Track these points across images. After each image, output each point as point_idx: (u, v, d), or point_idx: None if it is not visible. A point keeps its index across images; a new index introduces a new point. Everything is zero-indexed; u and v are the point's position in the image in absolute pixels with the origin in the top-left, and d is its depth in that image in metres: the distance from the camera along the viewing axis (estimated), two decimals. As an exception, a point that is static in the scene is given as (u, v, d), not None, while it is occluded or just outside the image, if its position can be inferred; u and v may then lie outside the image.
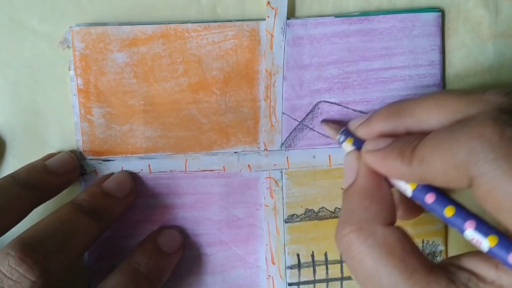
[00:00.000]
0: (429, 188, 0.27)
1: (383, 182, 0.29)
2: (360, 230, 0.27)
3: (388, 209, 0.28)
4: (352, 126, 0.32)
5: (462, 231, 0.26)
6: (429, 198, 0.27)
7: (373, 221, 0.27)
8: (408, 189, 0.28)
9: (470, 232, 0.25)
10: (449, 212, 0.26)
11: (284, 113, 0.36)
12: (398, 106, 0.29)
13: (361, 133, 0.31)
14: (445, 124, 0.26)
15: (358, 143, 0.31)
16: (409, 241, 0.27)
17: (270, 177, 0.36)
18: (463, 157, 0.23)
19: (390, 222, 0.27)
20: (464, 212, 0.26)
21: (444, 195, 0.27)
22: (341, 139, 0.32)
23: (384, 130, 0.29)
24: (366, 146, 0.29)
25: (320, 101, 0.36)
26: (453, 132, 0.24)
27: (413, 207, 0.31)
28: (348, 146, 0.32)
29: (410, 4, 0.36)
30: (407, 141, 0.27)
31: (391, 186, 0.29)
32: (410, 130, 0.28)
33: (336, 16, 0.35)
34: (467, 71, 0.36)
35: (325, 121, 0.36)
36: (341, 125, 0.34)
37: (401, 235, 0.27)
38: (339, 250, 0.28)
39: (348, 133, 0.32)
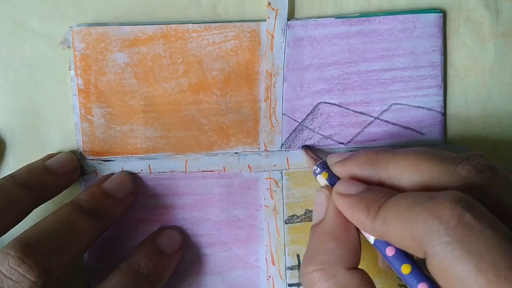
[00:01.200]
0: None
1: (350, 224, 0.29)
2: (323, 271, 0.28)
3: (353, 252, 0.29)
4: (330, 160, 0.33)
5: None
6: (389, 251, 0.27)
7: (335, 264, 0.28)
8: (371, 238, 0.28)
9: None
10: (405, 269, 0.26)
11: (284, 114, 0.36)
12: (375, 156, 0.30)
13: (336, 170, 0.32)
14: (415, 187, 0.27)
15: (333, 179, 0.32)
16: (369, 283, 0.28)
17: (270, 178, 0.36)
18: (419, 232, 0.23)
19: (353, 266, 0.28)
20: (420, 274, 0.26)
21: (403, 252, 0.27)
22: (317, 171, 0.33)
23: (358, 174, 0.30)
24: (337, 187, 0.30)
25: (320, 102, 0.36)
26: (416, 204, 0.24)
27: None
28: (322, 179, 0.32)
29: (411, 5, 0.36)
30: (375, 196, 0.27)
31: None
32: (383, 183, 0.29)
33: (337, 17, 0.35)
34: (468, 71, 0.36)
35: (306, 147, 0.36)
36: (320, 155, 0.35)
37: (362, 279, 0.28)
38: (303, 284, 0.29)
39: (324, 167, 0.33)
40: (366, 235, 0.29)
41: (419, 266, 0.26)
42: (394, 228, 0.25)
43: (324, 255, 0.28)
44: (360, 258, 0.29)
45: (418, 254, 0.24)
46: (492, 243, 0.22)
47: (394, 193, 0.27)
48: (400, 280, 0.35)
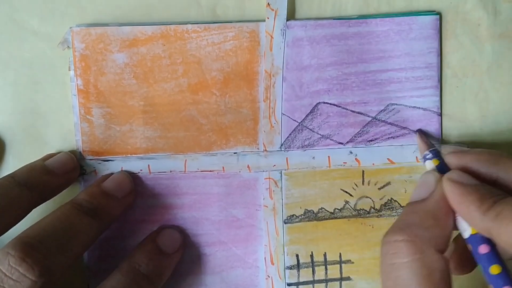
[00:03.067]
0: (487, 240, 0.27)
1: (451, 214, 0.29)
2: (414, 243, 0.27)
3: (446, 238, 0.28)
4: (445, 150, 0.33)
5: None
6: (483, 249, 0.27)
7: (428, 241, 0.27)
8: (468, 230, 0.28)
9: None
10: (495, 270, 0.26)
11: (283, 114, 0.36)
12: (498, 156, 0.30)
13: (451, 160, 0.31)
14: None
15: (443, 168, 0.31)
16: (448, 275, 0.27)
17: (269, 178, 0.36)
18: None
19: (443, 250, 0.28)
20: (507, 277, 0.26)
21: (497, 252, 0.27)
22: (429, 156, 0.32)
23: (473, 169, 0.30)
24: (451, 174, 0.29)
25: (319, 102, 0.36)
26: None
27: (465, 262, 0.31)
28: (431, 165, 0.32)
29: (409, 7, 0.36)
30: (492, 192, 0.27)
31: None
32: (499, 184, 0.29)
33: (335, 18, 0.36)
34: (465, 72, 0.36)
35: (421, 132, 0.36)
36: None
37: (445, 266, 0.27)
38: (382, 251, 0.28)
39: (437, 154, 0.32)
40: (463, 228, 0.28)
41: (509, 270, 0.26)
42: (507, 225, 0.25)
43: (419, 230, 0.28)
44: (448, 247, 0.28)
45: None
46: None
47: (509, 195, 0.27)
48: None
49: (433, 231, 0.28)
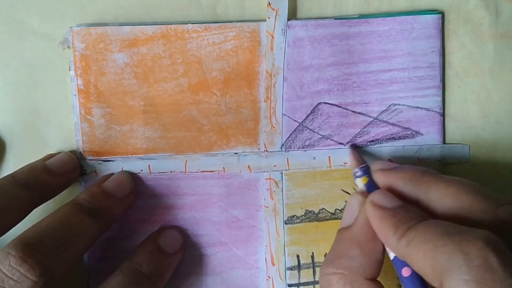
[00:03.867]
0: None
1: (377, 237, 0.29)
2: (342, 276, 0.28)
3: (375, 263, 0.29)
4: (374, 167, 0.32)
5: None
6: (405, 272, 0.27)
7: (356, 272, 0.28)
8: (391, 253, 0.29)
9: None
10: None
11: (284, 114, 0.36)
12: (420, 176, 0.30)
13: (378, 178, 0.32)
14: (450, 216, 0.27)
15: (371, 186, 0.32)
16: None
17: (270, 178, 0.36)
18: (442, 263, 0.23)
19: (373, 277, 0.29)
20: None
21: (418, 276, 0.27)
22: (358, 174, 0.33)
23: (397, 188, 0.30)
24: (373, 197, 0.29)
25: (320, 103, 0.36)
26: (445, 234, 0.24)
27: None
28: (360, 183, 0.32)
29: (410, 6, 0.36)
30: (408, 216, 0.27)
31: None
32: (419, 203, 0.29)
33: (336, 18, 0.35)
34: (467, 72, 0.36)
35: (354, 147, 0.36)
36: (365, 156, 0.35)
37: None
38: (320, 284, 0.30)
39: (366, 172, 0.32)
40: (388, 249, 0.29)
41: None
42: (417, 253, 0.25)
43: (346, 261, 0.29)
44: (380, 270, 0.29)
45: (434, 283, 0.24)
46: None
47: (426, 217, 0.27)
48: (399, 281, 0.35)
49: (360, 260, 0.29)
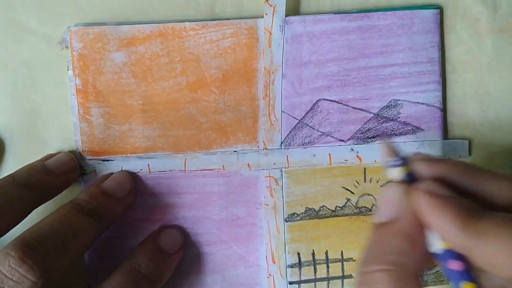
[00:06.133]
0: (460, 257, 0.25)
1: (423, 230, 0.26)
2: (393, 273, 0.25)
3: (424, 257, 0.26)
4: (417, 157, 0.29)
5: None
6: (456, 265, 0.25)
7: (409, 267, 0.25)
8: (439, 245, 0.26)
9: None
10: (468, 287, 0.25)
11: (283, 112, 0.36)
12: (475, 169, 0.27)
13: (422, 168, 0.28)
14: (508, 209, 0.25)
15: (410, 178, 0.28)
16: None
17: (270, 176, 0.36)
18: None
19: (421, 272, 0.27)
20: None
21: (470, 269, 0.25)
22: (397, 163, 0.28)
23: (448, 178, 0.27)
24: (426, 185, 0.26)
25: (319, 99, 0.36)
26: None
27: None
28: (398, 173, 0.28)
29: (408, 1, 0.36)
30: (473, 207, 0.25)
31: None
32: (474, 195, 0.27)
33: (335, 13, 0.35)
34: (465, 67, 0.36)
35: (386, 137, 0.35)
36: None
37: None
38: (359, 283, 0.26)
39: (406, 162, 0.28)
40: (434, 242, 0.26)
41: None
42: (491, 243, 0.23)
43: (395, 256, 0.26)
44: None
45: (506, 273, 0.23)
46: None
47: (484, 209, 0.25)
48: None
49: (412, 256, 0.26)
